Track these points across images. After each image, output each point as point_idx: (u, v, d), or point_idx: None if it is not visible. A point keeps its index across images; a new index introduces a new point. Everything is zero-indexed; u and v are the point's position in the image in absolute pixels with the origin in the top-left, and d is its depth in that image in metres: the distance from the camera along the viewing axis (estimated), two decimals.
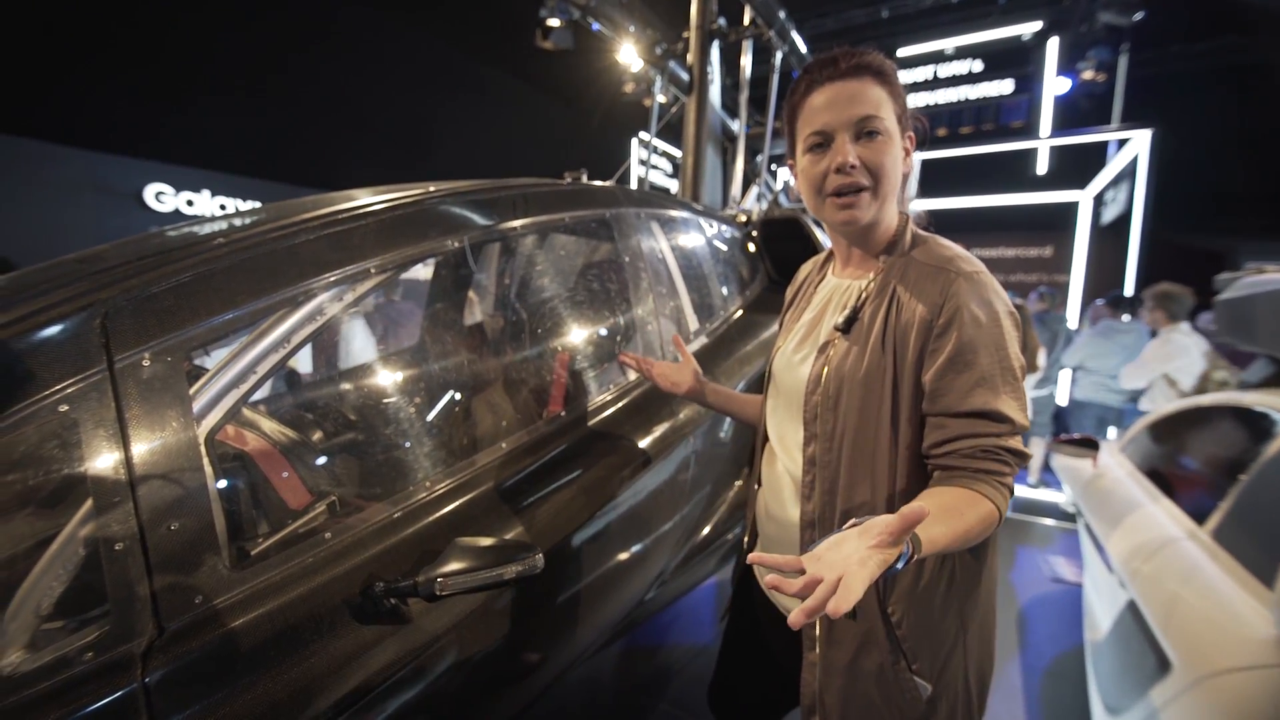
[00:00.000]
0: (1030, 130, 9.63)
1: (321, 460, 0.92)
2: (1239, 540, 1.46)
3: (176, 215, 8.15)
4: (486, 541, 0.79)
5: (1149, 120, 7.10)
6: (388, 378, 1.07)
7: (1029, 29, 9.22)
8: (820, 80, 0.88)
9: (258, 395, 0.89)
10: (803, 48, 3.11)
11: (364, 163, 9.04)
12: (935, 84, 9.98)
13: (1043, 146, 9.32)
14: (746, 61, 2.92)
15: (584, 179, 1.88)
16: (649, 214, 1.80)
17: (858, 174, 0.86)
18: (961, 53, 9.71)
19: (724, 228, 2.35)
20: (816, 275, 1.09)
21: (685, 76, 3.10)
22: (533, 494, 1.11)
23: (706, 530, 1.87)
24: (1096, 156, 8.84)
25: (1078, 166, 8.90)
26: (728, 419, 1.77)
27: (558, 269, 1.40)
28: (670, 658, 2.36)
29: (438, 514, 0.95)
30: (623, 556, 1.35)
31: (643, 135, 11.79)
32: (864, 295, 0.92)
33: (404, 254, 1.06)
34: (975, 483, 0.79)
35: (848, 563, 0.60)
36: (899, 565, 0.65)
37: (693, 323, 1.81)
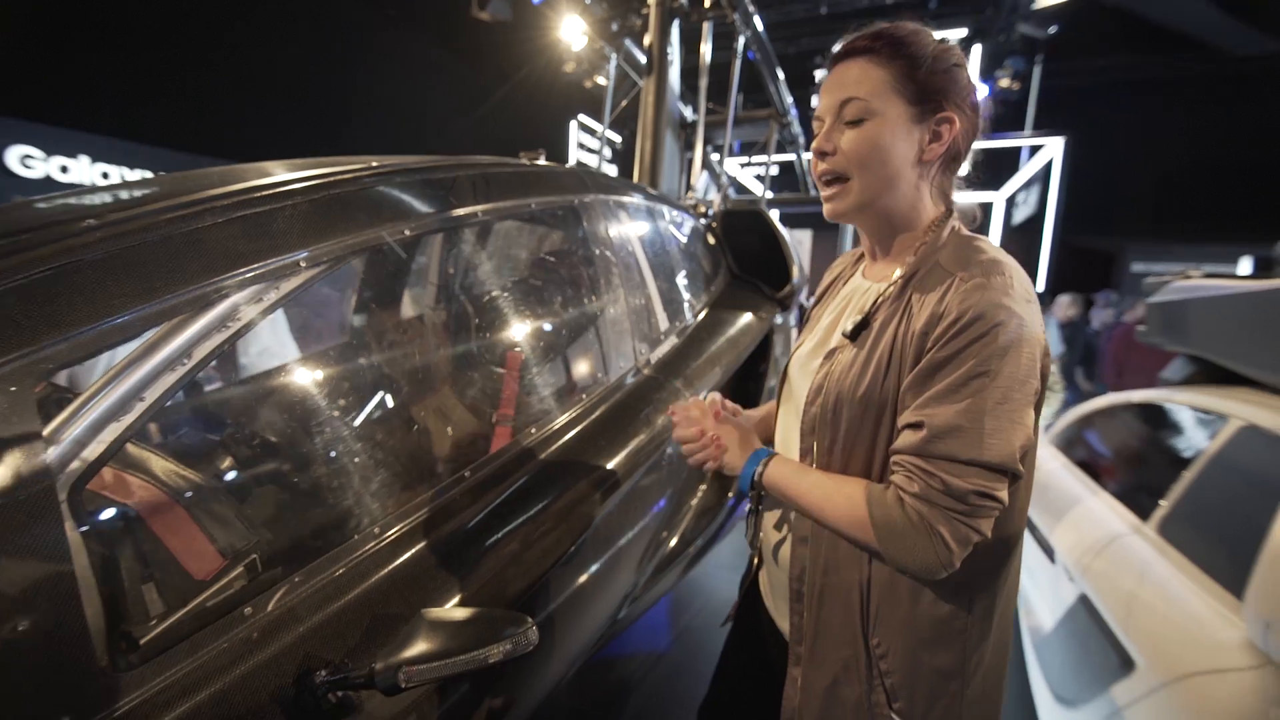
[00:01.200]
0: None
1: (236, 506, 0.72)
2: (1187, 538, 1.51)
3: (48, 184, 7.09)
4: (463, 614, 0.62)
5: (1058, 128, 7.62)
6: (320, 387, 0.86)
7: (956, 35, 9.62)
8: (832, 62, 0.82)
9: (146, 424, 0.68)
10: (763, 33, 3.03)
11: (273, 131, 8.16)
12: None
13: None
14: (707, 45, 2.80)
15: (543, 159, 1.70)
16: (617, 202, 1.64)
17: (835, 160, 0.79)
18: None
19: (687, 219, 2.23)
20: (850, 271, 0.99)
21: (642, 57, 2.94)
22: (502, 530, 0.95)
23: (674, 541, 1.77)
24: (1010, 160, 9.43)
25: (992, 169, 9.50)
26: None
27: (519, 261, 1.23)
28: (629, 668, 2.25)
29: (391, 566, 0.78)
30: (596, 580, 1.22)
31: (582, 118, 11.50)
32: (880, 300, 0.82)
33: (342, 244, 0.86)
34: (886, 494, 0.73)
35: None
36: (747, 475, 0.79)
37: (662, 321, 1.68)
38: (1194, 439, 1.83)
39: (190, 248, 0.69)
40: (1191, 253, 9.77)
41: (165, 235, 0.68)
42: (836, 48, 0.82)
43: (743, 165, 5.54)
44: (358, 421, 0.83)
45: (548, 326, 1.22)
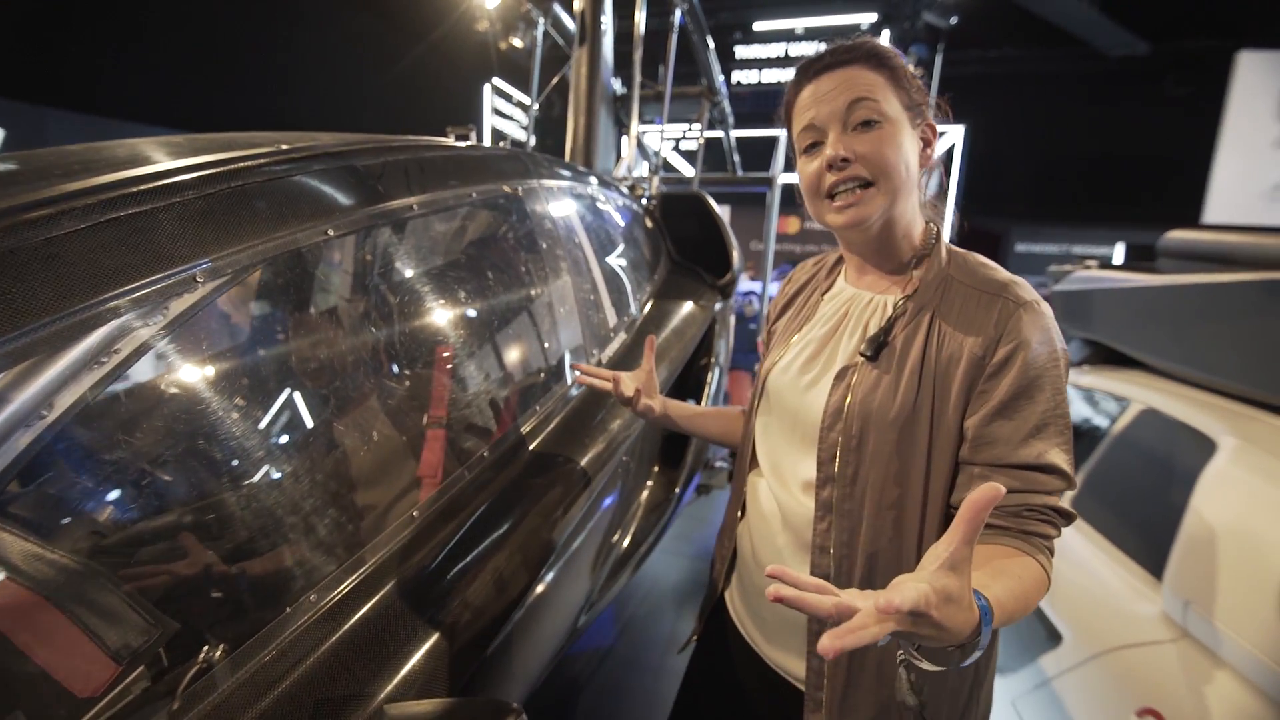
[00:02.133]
0: None
1: (125, 590, 0.57)
2: (1100, 516, 1.64)
3: None
4: (434, 707, 0.52)
5: (957, 116, 8.12)
6: (224, 419, 0.69)
7: (866, 19, 9.93)
8: (809, 75, 0.79)
9: None
10: (698, 5, 2.92)
11: (141, 88, 7.07)
12: (786, 61, 10.42)
13: None
14: (641, 13, 2.65)
15: (473, 138, 1.54)
16: (561, 188, 1.51)
17: (855, 167, 0.74)
18: (810, 34, 10.22)
19: (628, 202, 2.12)
20: (824, 280, 0.94)
21: (571, 23, 2.75)
22: (461, 570, 0.84)
23: (626, 542, 1.71)
24: None
25: None
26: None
27: (457, 260, 1.09)
28: (577, 666, 2.20)
29: (334, 638, 0.66)
30: (559, 598, 1.14)
31: (497, 82, 10.89)
32: (894, 315, 0.78)
33: (251, 250, 0.70)
34: (1024, 543, 0.69)
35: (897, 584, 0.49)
36: (979, 645, 0.53)
37: (611, 316, 1.59)
38: (1097, 420, 1.99)
39: (42, 265, 0.53)
40: (1069, 235, 10.84)
41: (5, 249, 0.51)
42: (812, 61, 0.79)
43: (675, 146, 5.45)
44: (278, 463, 0.69)
45: (495, 331, 1.10)
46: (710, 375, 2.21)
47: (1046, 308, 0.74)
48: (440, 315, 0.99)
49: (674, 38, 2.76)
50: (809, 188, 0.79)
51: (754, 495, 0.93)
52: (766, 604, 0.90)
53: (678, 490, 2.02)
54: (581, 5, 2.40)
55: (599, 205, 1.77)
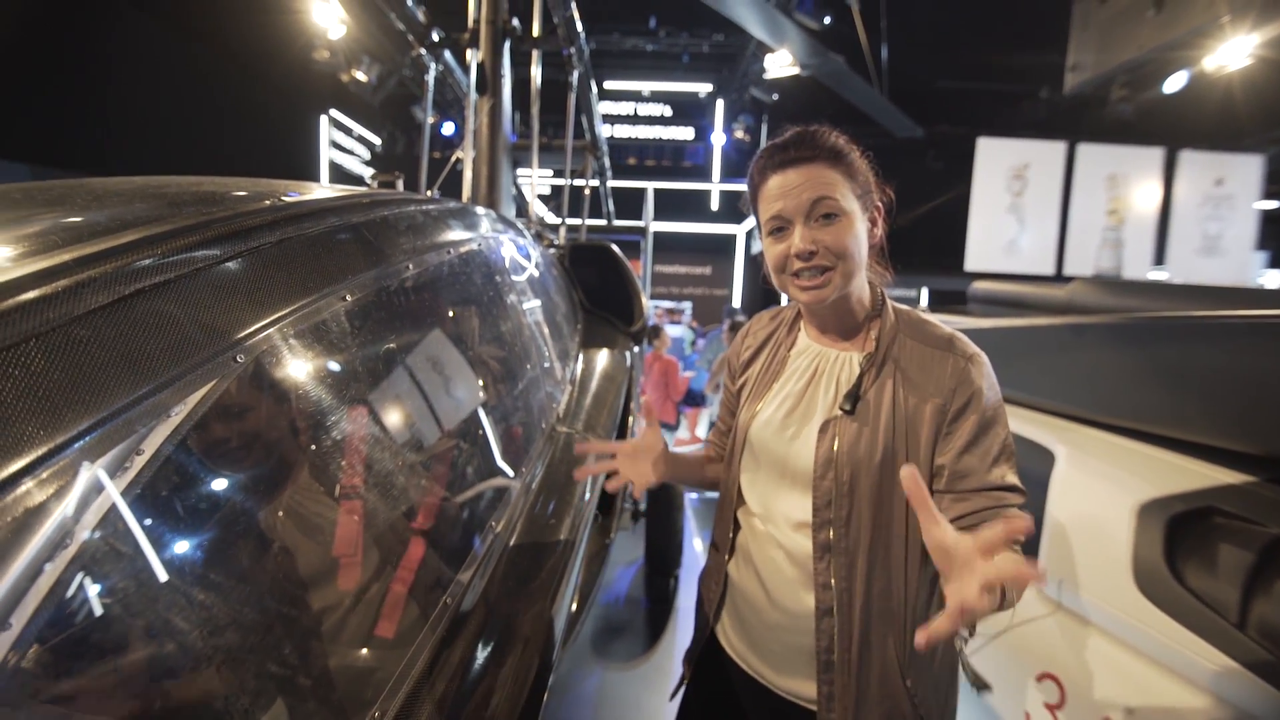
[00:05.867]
0: (706, 173, 11.64)
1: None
2: None
3: None
4: None
5: None
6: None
7: (703, 88, 11.07)
8: (774, 165, 0.89)
9: None
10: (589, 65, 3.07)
11: None
12: (636, 120, 11.19)
13: (714, 188, 11.36)
14: (537, 69, 2.72)
15: (399, 185, 1.48)
16: (509, 239, 1.51)
17: (819, 257, 0.87)
18: (656, 97, 11.10)
19: (546, 252, 2.15)
20: (786, 337, 1.04)
21: (461, 74, 2.72)
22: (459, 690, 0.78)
23: (575, 604, 1.67)
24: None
25: (736, 206, 11.24)
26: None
27: (445, 312, 1.04)
28: None
29: None
30: (535, 683, 1.08)
31: (335, 114, 10.17)
32: (862, 371, 0.91)
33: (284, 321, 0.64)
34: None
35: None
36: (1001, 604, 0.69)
37: (559, 368, 1.59)
38: None
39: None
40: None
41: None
42: (779, 150, 0.89)
43: (539, 195, 5.55)
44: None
45: (481, 399, 1.05)
46: (630, 421, 2.27)
47: (984, 358, 0.89)
48: (448, 379, 0.94)
49: (572, 97, 2.89)
50: (776, 266, 0.90)
51: (751, 537, 1.00)
52: (776, 636, 0.97)
53: (610, 538, 2.03)
54: (482, 57, 2.42)
55: (535, 257, 1.78)
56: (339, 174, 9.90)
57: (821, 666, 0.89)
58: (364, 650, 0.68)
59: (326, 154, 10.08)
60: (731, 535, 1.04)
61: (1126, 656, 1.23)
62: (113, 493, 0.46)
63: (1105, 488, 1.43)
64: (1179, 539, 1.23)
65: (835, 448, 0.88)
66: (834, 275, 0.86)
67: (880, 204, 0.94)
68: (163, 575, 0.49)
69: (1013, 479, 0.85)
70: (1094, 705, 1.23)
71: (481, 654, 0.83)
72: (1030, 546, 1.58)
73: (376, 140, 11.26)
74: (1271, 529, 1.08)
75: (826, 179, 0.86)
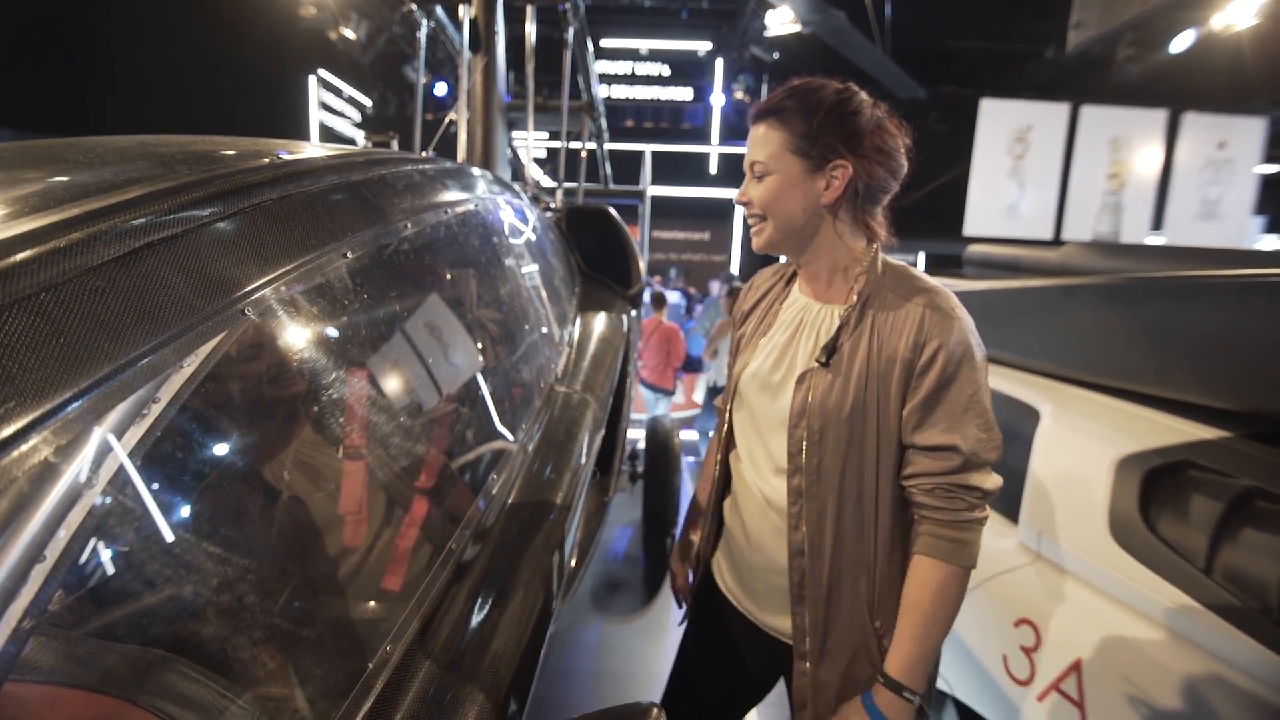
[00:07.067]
0: (705, 135, 11.41)
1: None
2: None
3: None
4: None
5: None
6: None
7: (702, 47, 10.77)
8: (749, 121, 0.97)
9: None
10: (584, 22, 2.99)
11: None
12: (633, 79, 10.91)
13: (714, 151, 11.15)
14: (532, 26, 2.65)
15: (394, 145, 1.47)
16: (505, 201, 1.51)
17: (753, 209, 0.95)
18: (654, 55, 10.81)
19: (543, 215, 2.14)
20: (781, 290, 1.06)
21: (454, 30, 2.65)
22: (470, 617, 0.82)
23: (573, 561, 1.73)
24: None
25: (738, 169, 11.02)
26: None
27: (443, 274, 1.05)
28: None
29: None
30: (536, 636, 1.14)
31: (324, 74, 9.89)
32: (841, 324, 0.92)
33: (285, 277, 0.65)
34: (936, 540, 0.87)
35: None
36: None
37: (557, 330, 1.62)
38: None
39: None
40: None
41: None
42: (756, 107, 0.95)
43: (543, 165, 5.46)
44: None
45: (489, 351, 1.08)
46: (627, 384, 2.31)
47: (963, 312, 0.88)
48: (447, 336, 0.96)
49: (569, 53, 2.81)
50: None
51: (739, 480, 1.06)
52: (758, 576, 1.03)
53: (608, 497, 2.08)
54: (475, 13, 2.36)
55: (532, 220, 1.78)
56: (330, 137, 9.69)
57: (794, 599, 0.96)
58: (371, 601, 0.72)
59: (316, 116, 9.85)
60: (725, 478, 1.10)
61: (1099, 601, 1.30)
62: (131, 439, 0.49)
63: (1087, 443, 1.47)
64: (1155, 491, 1.28)
65: (809, 399, 0.91)
66: (765, 226, 0.95)
67: (847, 164, 0.89)
68: (186, 513, 0.52)
69: (954, 441, 0.84)
70: (1066, 646, 1.30)
71: (482, 603, 0.88)
72: (1013, 501, 1.64)
73: (367, 102, 10.98)
74: (1242, 480, 1.13)
75: (763, 139, 0.92)
